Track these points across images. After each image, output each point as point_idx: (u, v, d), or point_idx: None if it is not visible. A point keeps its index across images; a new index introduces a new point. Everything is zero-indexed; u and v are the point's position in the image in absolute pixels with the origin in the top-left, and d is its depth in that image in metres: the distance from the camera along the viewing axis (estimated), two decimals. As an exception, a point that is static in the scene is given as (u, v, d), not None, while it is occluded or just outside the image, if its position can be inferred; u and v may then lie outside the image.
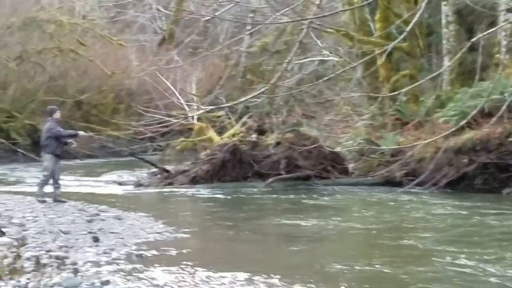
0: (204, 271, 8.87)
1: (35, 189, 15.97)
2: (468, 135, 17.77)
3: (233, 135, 22.37)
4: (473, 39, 8.74)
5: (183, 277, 8.50)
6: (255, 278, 8.49)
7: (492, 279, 8.40)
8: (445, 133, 16.41)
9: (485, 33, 13.72)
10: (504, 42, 18.83)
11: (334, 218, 14.36)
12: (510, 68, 18.32)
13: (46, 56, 33.67)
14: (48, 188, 15.31)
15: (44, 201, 14.98)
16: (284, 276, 8.59)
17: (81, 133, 15.94)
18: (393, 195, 17.07)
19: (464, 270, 8.93)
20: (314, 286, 8.08)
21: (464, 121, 14.28)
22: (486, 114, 15.63)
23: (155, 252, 10.11)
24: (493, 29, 16.81)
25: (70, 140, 15.66)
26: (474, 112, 10.83)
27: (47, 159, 15.19)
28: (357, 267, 9.35)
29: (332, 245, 11.76)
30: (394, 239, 11.53)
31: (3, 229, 10.62)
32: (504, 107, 9.16)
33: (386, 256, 10.12)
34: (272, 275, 8.68)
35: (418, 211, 15.02)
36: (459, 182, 17.88)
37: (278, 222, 14.09)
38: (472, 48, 18.78)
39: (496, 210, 14.74)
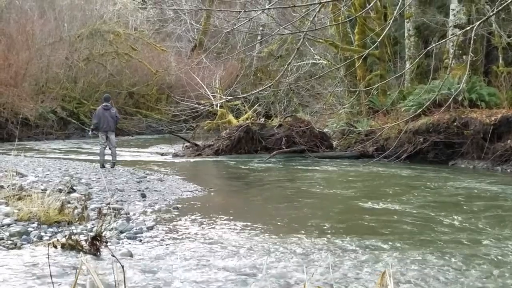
0: (224, 220, 8.90)
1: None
2: (423, 120, 17.71)
3: (247, 119, 22.37)
4: (428, 48, 8.64)
5: (208, 224, 8.54)
6: (261, 225, 8.52)
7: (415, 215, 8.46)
8: (406, 119, 16.42)
9: (437, 43, 13.65)
10: (451, 50, 18.66)
11: (320, 180, 14.36)
12: (456, 70, 18.17)
13: (106, 58, 33.58)
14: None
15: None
16: (282, 223, 8.64)
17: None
18: (366, 165, 17.09)
19: (411, 211, 8.99)
20: (302, 232, 8.10)
21: (420, 110, 14.24)
22: (437, 105, 15.54)
23: (187, 206, 10.15)
24: (443, 40, 16.70)
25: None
26: (428, 103, 10.71)
27: (114, 136, 15.10)
28: (333, 218, 9.35)
29: (314, 200, 11.79)
30: (361, 192, 11.57)
31: (74, 187, 10.66)
32: (450, 100, 9.11)
33: (354, 208, 10.15)
34: (273, 223, 8.72)
35: (383, 176, 15.01)
36: (416, 156, 17.86)
37: (279, 183, 14.11)
38: (427, 55, 18.77)
39: (442, 175, 14.81)
